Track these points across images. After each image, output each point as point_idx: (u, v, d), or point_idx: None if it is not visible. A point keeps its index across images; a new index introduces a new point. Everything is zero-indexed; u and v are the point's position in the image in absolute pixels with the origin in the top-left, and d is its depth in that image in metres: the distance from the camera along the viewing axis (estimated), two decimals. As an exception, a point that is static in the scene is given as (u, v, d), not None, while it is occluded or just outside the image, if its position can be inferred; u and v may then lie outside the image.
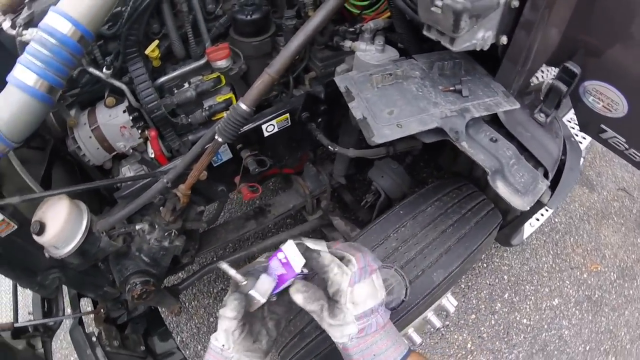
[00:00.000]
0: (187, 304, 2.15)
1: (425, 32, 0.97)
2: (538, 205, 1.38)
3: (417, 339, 1.49)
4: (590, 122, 1.14)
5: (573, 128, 1.97)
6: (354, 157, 1.40)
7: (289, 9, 1.32)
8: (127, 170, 1.38)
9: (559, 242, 2.19)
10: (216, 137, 1.11)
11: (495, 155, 1.03)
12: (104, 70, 1.16)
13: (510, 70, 1.05)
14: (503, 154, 1.03)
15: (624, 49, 0.90)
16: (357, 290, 0.69)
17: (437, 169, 2.33)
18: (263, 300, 0.71)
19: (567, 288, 2.06)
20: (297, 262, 0.71)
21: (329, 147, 1.39)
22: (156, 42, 1.19)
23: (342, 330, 0.69)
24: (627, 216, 2.33)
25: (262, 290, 0.72)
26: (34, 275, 1.26)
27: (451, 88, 1.05)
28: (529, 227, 1.96)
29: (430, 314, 1.50)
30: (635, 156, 1.15)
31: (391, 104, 1.01)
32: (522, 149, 1.16)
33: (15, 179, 1.15)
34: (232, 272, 0.73)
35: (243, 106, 1.06)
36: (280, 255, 0.73)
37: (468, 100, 1.04)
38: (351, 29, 1.25)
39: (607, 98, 1.03)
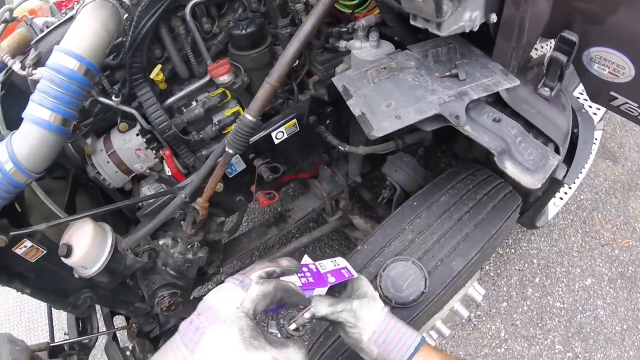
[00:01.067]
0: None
1: (412, 22, 0.95)
2: (557, 183, 1.33)
3: (446, 331, 1.44)
4: (599, 90, 1.10)
5: (586, 100, 1.88)
6: (364, 154, 1.38)
7: (283, 18, 1.32)
8: (147, 190, 1.42)
9: (587, 219, 2.09)
10: (227, 149, 1.13)
11: (500, 136, 0.99)
12: (114, 98, 1.20)
13: (505, 47, 1.01)
14: (508, 133, 1.00)
15: (624, 12, 0.86)
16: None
17: (454, 158, 2.28)
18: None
19: (599, 266, 1.96)
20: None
21: (339, 147, 1.39)
22: (159, 66, 1.22)
23: (375, 308, 0.77)
24: (655, 186, 2.20)
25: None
26: (67, 297, 1.30)
27: (447, 73, 1.03)
28: (554, 207, 1.88)
29: (457, 305, 1.46)
30: (650, 120, 1.09)
31: (388, 96, 1.00)
32: (529, 126, 1.12)
33: (41, 208, 1.21)
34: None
35: (249, 117, 1.07)
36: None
37: (466, 84, 1.01)
38: (344, 29, 1.25)
39: (612, 63, 0.99)
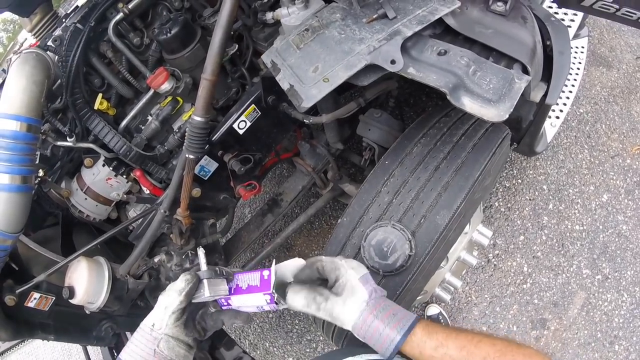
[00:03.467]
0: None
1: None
2: (543, 105, 1.12)
3: (457, 283, 1.30)
4: (566, -8, 0.90)
5: (557, 13, 1.60)
6: (328, 122, 1.22)
7: (212, 7, 1.17)
8: (133, 213, 1.36)
9: (591, 133, 1.83)
10: (186, 155, 1.03)
11: (448, 70, 0.82)
12: (68, 139, 1.13)
13: (435, -33, 0.82)
14: (457, 65, 0.82)
15: None
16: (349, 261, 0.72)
17: (440, 98, 2.03)
18: (208, 295, 0.68)
19: (612, 180, 1.72)
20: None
21: (304, 120, 1.24)
22: (100, 95, 1.14)
23: (352, 304, 0.68)
24: (656, 83, 1.89)
25: (215, 287, 0.69)
26: (90, 332, 1.28)
27: (375, 16, 0.85)
28: (551, 128, 1.65)
29: (463, 254, 1.30)
30: (631, 15, 0.91)
31: (315, 60, 0.85)
32: (488, 50, 0.93)
33: (39, 258, 1.19)
34: (201, 255, 0.73)
35: (197, 118, 0.98)
36: (265, 273, 0.73)
37: (397, 21, 0.83)
38: (266, 0, 1.07)
39: (573, -42, 0.81)
